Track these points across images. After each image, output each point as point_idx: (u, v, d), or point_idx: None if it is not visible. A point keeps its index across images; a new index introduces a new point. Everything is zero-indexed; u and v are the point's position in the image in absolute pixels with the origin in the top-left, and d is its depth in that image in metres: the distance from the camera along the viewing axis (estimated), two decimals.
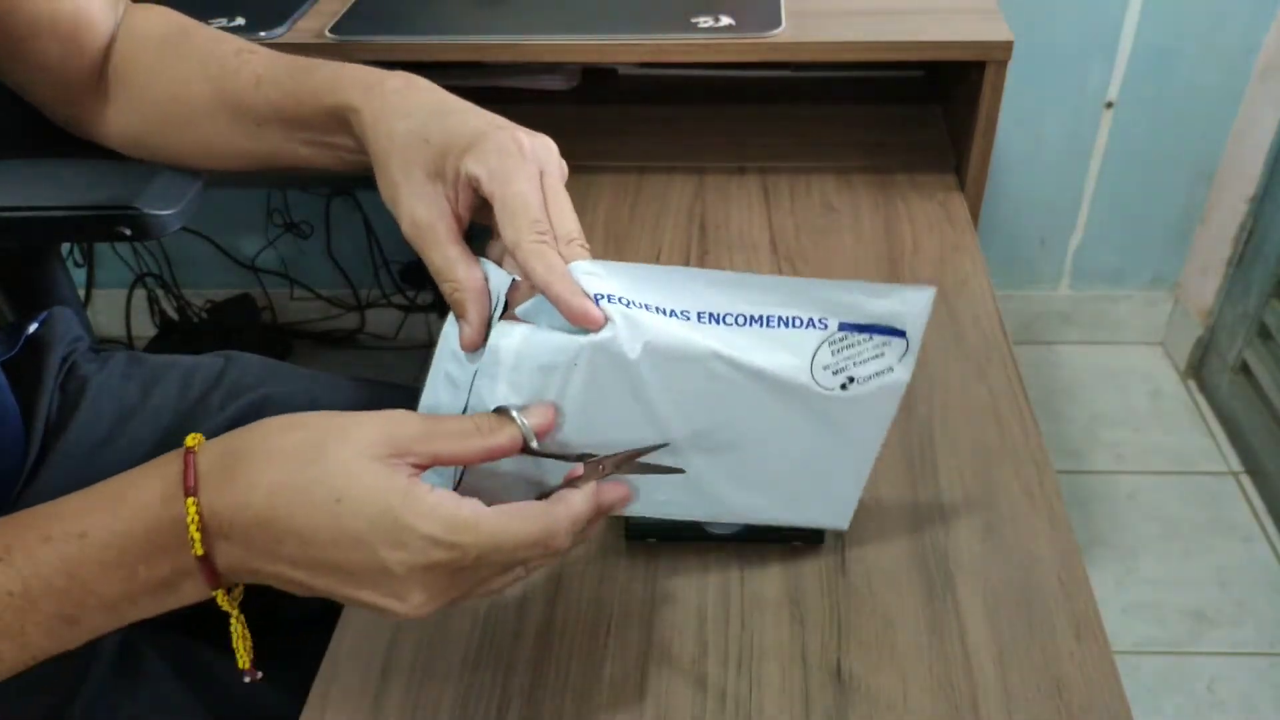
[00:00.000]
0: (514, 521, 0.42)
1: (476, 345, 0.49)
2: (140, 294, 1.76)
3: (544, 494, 0.47)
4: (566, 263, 0.47)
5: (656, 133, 1.02)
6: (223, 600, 0.43)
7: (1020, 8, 1.36)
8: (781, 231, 0.86)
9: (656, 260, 0.83)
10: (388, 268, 1.71)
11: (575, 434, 0.48)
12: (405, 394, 0.65)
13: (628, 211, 0.89)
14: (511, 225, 0.47)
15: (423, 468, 0.43)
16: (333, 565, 0.41)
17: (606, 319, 0.46)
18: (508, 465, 0.47)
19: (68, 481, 0.65)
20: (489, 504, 0.43)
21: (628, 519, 0.58)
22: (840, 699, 0.50)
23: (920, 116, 1.04)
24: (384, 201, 0.53)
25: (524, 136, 0.50)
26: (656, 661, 0.53)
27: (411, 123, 0.52)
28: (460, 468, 0.46)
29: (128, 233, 0.84)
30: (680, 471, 0.51)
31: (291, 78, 0.60)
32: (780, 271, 0.81)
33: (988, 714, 0.50)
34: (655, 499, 0.55)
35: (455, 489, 0.45)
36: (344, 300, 1.77)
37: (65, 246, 1.46)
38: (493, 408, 0.46)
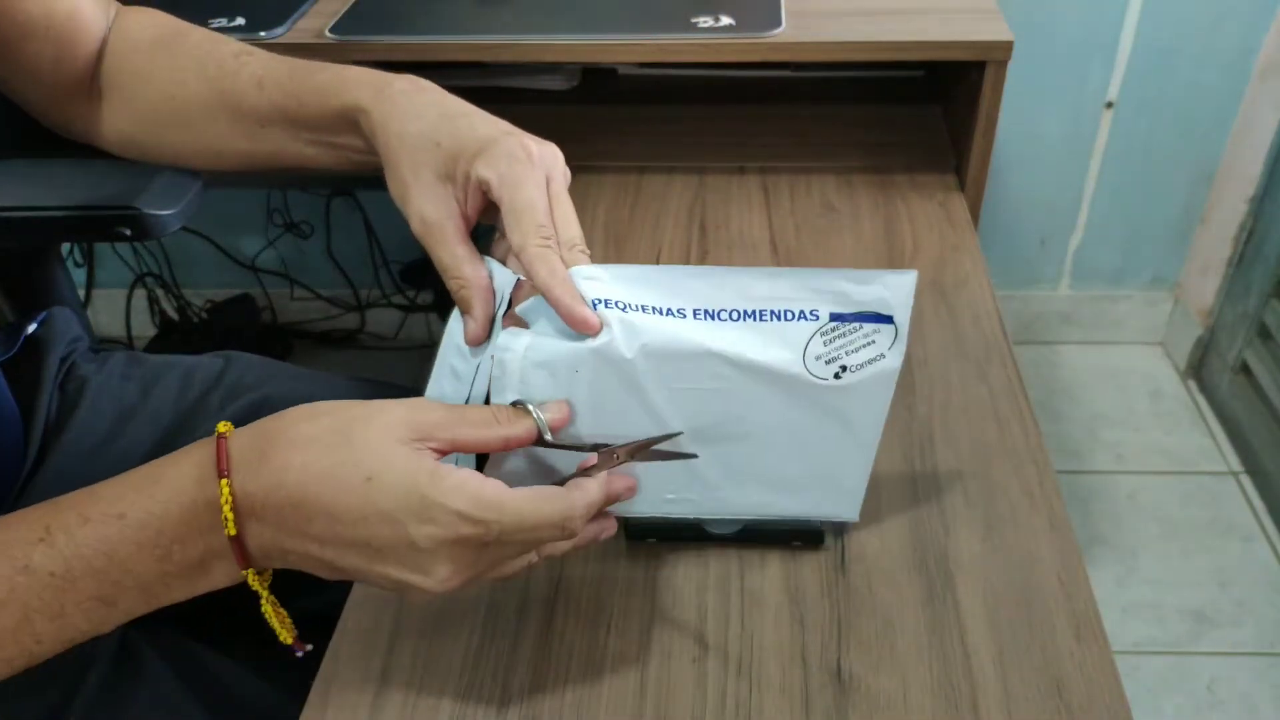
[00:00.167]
0: (535, 502, 0.44)
1: (480, 340, 0.52)
2: (140, 294, 1.76)
3: (557, 482, 0.49)
4: (569, 267, 0.49)
5: (656, 133, 1.02)
6: (253, 580, 0.45)
7: (1020, 8, 1.36)
8: (781, 231, 0.86)
9: (656, 260, 0.83)
10: (388, 268, 1.71)
11: (584, 431, 0.50)
12: (405, 394, 0.65)
13: (628, 211, 0.89)
14: (518, 229, 0.49)
15: (443, 453, 0.45)
16: (361, 542, 0.43)
17: (603, 324, 0.48)
18: (523, 454, 0.50)
19: (68, 481, 0.65)
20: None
21: (628, 519, 0.58)
22: (840, 699, 0.50)
23: (920, 116, 1.04)
24: (393, 200, 0.55)
25: (531, 143, 0.52)
26: (656, 662, 0.53)
27: (422, 125, 0.54)
28: (475, 456, 0.49)
29: (128, 233, 0.84)
30: (693, 456, 0.52)
31: (293, 79, 0.60)
32: None
33: (988, 714, 0.50)
34: (663, 497, 0.56)
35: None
36: (344, 300, 1.77)
37: (65, 246, 1.46)
38: (509, 402, 0.49)
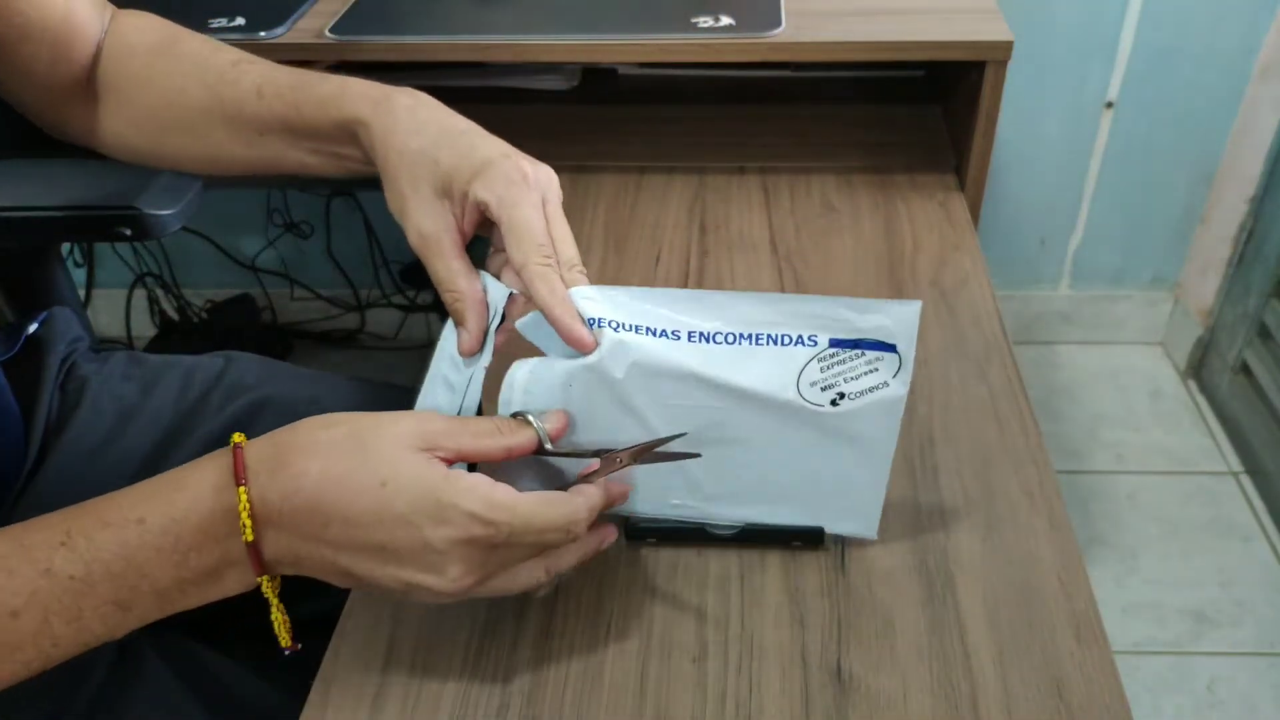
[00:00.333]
0: (542, 505, 0.47)
1: (474, 351, 0.54)
2: (140, 294, 1.76)
3: (560, 487, 0.51)
4: (568, 287, 0.51)
5: (656, 133, 1.02)
6: (267, 588, 0.46)
7: (1020, 8, 1.36)
8: (781, 231, 0.86)
9: (656, 260, 0.83)
10: (388, 268, 1.71)
11: (582, 440, 0.53)
12: (405, 394, 0.65)
13: (628, 211, 0.89)
14: (519, 248, 0.51)
15: (449, 462, 0.47)
16: (376, 546, 0.45)
17: (597, 342, 0.50)
18: (528, 462, 0.52)
19: (68, 481, 0.65)
20: None
21: (629, 519, 0.58)
22: (840, 699, 0.51)
23: (920, 116, 1.04)
24: (391, 211, 0.56)
25: (527, 165, 0.54)
26: (656, 661, 0.53)
27: (422, 141, 0.55)
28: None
29: (128, 233, 0.84)
30: (696, 455, 0.53)
31: (294, 90, 0.61)
32: (780, 271, 0.81)
33: (988, 714, 0.50)
34: (669, 502, 0.56)
35: None
36: (344, 300, 1.77)
37: (65, 246, 1.46)
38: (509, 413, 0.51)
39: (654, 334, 0.51)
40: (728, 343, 0.52)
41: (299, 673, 0.54)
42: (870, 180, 0.92)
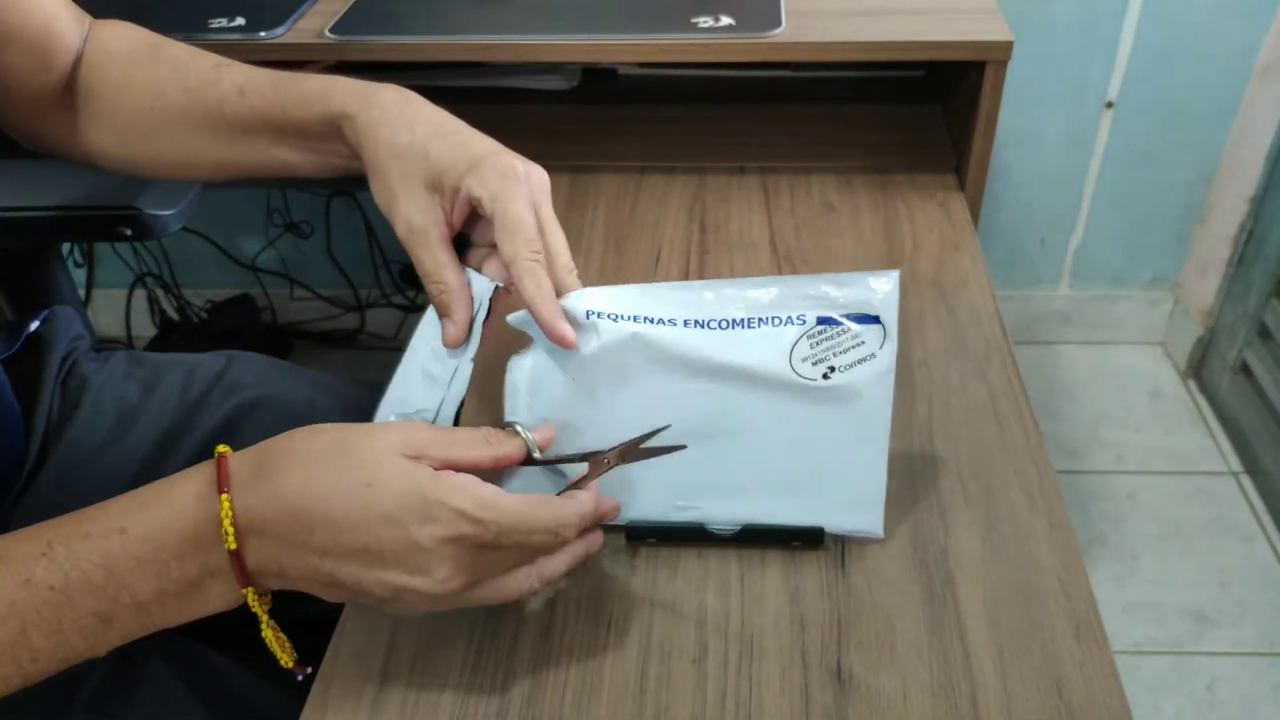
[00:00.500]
0: (531, 506, 0.46)
1: (459, 343, 0.55)
2: (140, 294, 1.76)
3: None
4: (567, 285, 0.53)
5: (656, 133, 1.02)
6: (253, 601, 0.46)
7: (1020, 8, 1.36)
8: (781, 231, 0.86)
9: (656, 260, 0.83)
10: (388, 268, 1.71)
11: (588, 432, 0.54)
12: None
13: (628, 211, 0.89)
14: (510, 243, 0.52)
15: (436, 470, 0.46)
16: (361, 548, 0.44)
17: (595, 333, 0.53)
18: (515, 474, 0.53)
19: (70, 480, 0.65)
20: None
21: (628, 520, 0.58)
22: (840, 699, 0.51)
23: (920, 116, 1.04)
24: (378, 204, 0.57)
25: (519, 163, 0.54)
26: (656, 661, 0.53)
27: (412, 136, 0.55)
28: None
29: (128, 233, 0.84)
30: (682, 448, 0.53)
31: (276, 88, 0.61)
32: (780, 271, 0.81)
33: (987, 714, 0.50)
34: (674, 504, 0.56)
35: None
36: (344, 300, 1.77)
37: (65, 246, 1.46)
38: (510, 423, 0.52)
39: (650, 321, 0.53)
40: (721, 328, 0.54)
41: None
42: (870, 180, 0.92)
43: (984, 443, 0.64)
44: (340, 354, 1.78)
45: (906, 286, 0.79)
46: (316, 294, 1.77)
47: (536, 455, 0.51)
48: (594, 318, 0.53)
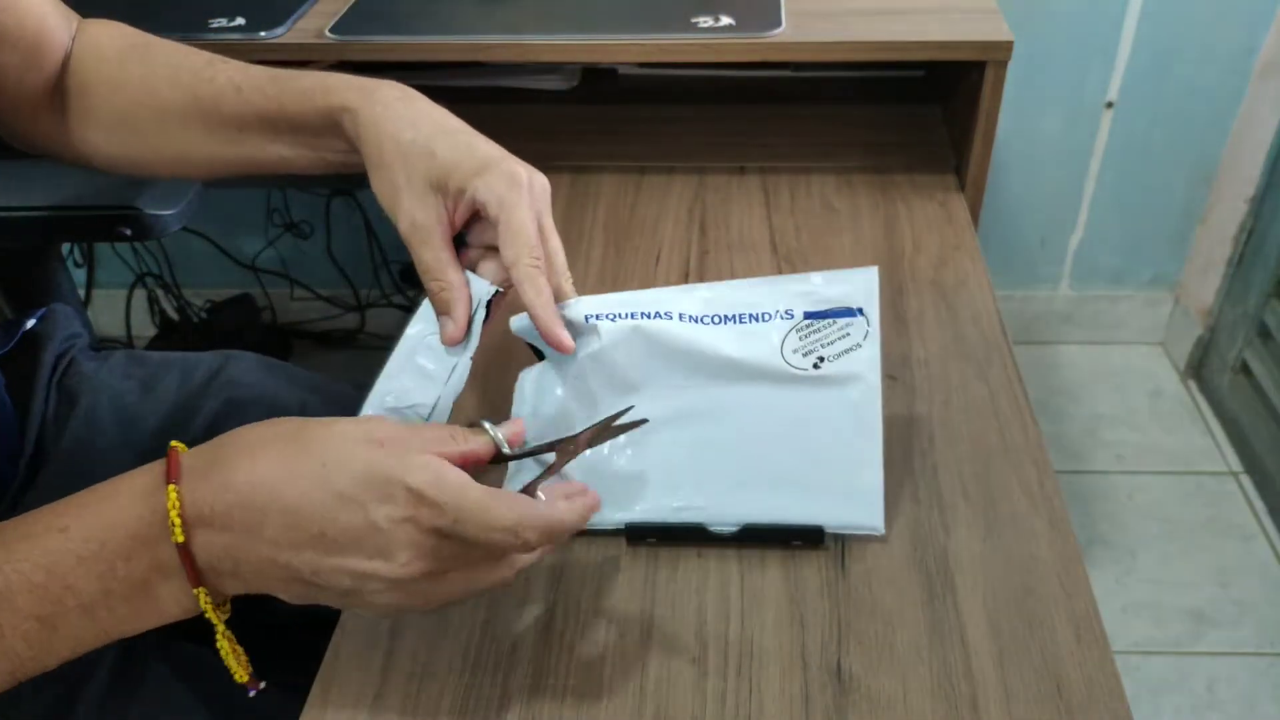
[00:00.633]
0: (493, 500, 0.44)
1: (458, 341, 0.55)
2: (140, 294, 1.76)
3: (524, 488, 0.50)
4: (564, 292, 0.55)
5: (656, 133, 1.02)
6: (206, 606, 0.43)
7: (1020, 8, 1.36)
8: (781, 231, 0.86)
9: (656, 260, 0.83)
10: (388, 268, 1.71)
11: (589, 424, 0.55)
12: None
13: (628, 211, 0.89)
14: (513, 247, 0.53)
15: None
16: (317, 532, 0.42)
17: (596, 333, 0.55)
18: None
19: (69, 479, 0.65)
20: None
21: (627, 520, 0.58)
22: (840, 699, 0.51)
23: (920, 116, 1.04)
24: (379, 200, 0.57)
25: (523, 170, 0.55)
26: (656, 661, 0.53)
27: (417, 134, 0.56)
28: None
29: (128, 233, 0.84)
30: (644, 421, 0.54)
31: (274, 84, 0.61)
32: (780, 271, 0.81)
33: (987, 714, 0.50)
34: (670, 505, 0.56)
35: None
36: (344, 300, 1.77)
37: (65, 246, 1.46)
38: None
39: (648, 316, 0.56)
40: (715, 323, 0.58)
41: (299, 673, 0.54)
42: (870, 180, 0.92)
43: (984, 443, 0.64)
44: (340, 354, 1.78)
45: (906, 286, 0.79)
46: (316, 294, 1.77)
47: (506, 451, 0.50)
48: (594, 320, 0.55)
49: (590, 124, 1.05)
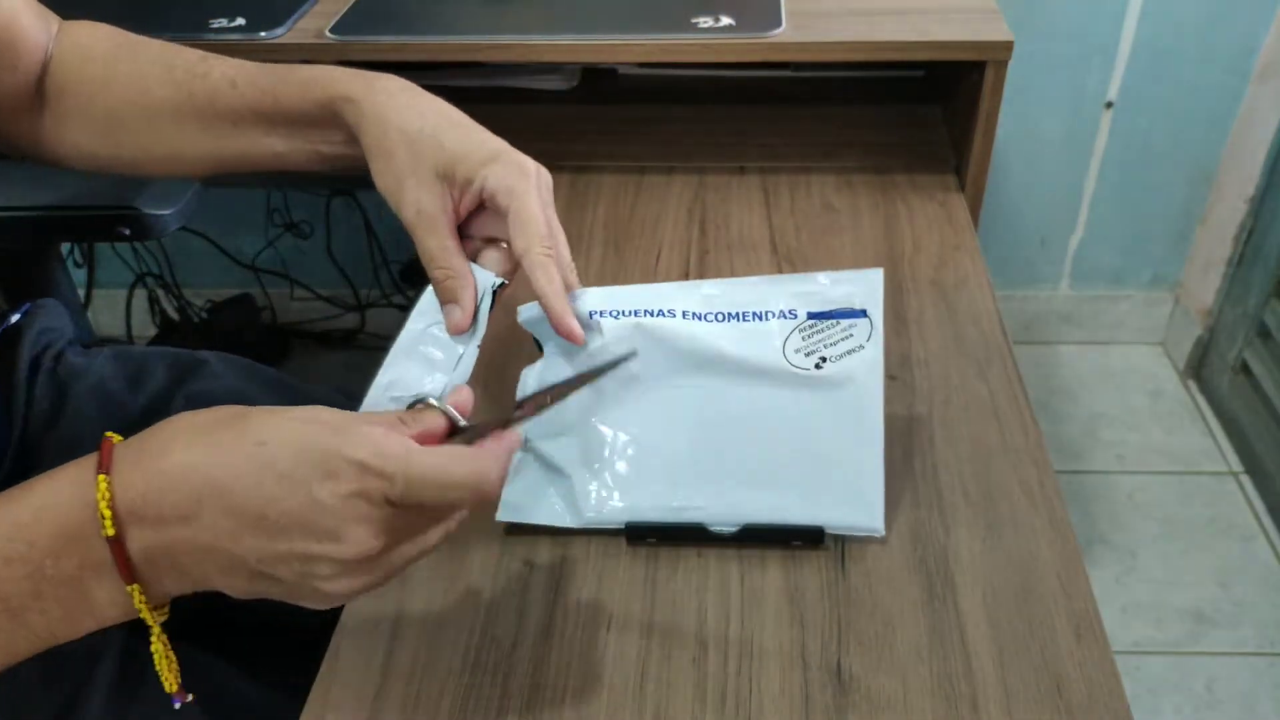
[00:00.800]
0: (444, 460, 0.42)
1: (465, 329, 0.55)
2: (140, 294, 1.76)
3: (467, 441, 0.47)
4: (569, 283, 0.55)
5: (656, 133, 1.02)
6: (141, 606, 0.41)
7: (1020, 8, 1.36)
8: (781, 231, 0.86)
9: (656, 260, 0.83)
10: (388, 268, 1.71)
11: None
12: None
13: (628, 211, 0.89)
14: (524, 236, 0.53)
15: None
16: (257, 515, 0.40)
17: (599, 331, 0.55)
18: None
19: None
20: None
21: (627, 520, 0.58)
22: (840, 699, 0.51)
23: (920, 116, 1.04)
24: (381, 189, 0.57)
25: (529, 162, 0.56)
26: (656, 661, 0.53)
27: (424, 124, 0.56)
28: None
29: (127, 232, 0.84)
30: (629, 357, 0.55)
31: (269, 78, 0.61)
32: (780, 271, 0.81)
33: (987, 714, 0.50)
34: (670, 505, 0.56)
35: None
36: (344, 300, 1.77)
37: (65, 246, 1.46)
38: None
39: (651, 314, 0.56)
40: (717, 320, 0.58)
41: (299, 673, 0.54)
42: (870, 180, 0.92)
43: (984, 443, 0.64)
44: (340, 354, 1.78)
45: (906, 286, 0.79)
46: (316, 294, 1.77)
47: (461, 423, 0.47)
48: (597, 317, 0.55)
49: (590, 124, 1.05)
